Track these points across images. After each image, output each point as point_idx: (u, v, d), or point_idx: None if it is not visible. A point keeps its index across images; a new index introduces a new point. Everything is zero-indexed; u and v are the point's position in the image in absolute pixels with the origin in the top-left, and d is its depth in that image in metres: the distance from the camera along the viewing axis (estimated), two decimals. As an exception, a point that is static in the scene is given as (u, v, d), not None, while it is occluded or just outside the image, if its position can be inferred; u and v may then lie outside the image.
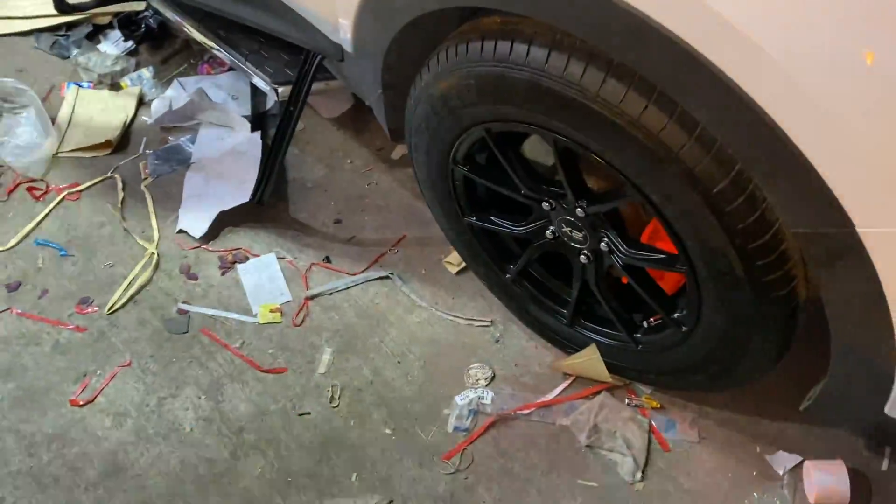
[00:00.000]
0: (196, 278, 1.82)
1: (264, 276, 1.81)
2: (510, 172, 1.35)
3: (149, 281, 1.81)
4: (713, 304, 1.18)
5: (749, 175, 0.97)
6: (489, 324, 1.69)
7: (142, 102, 2.25)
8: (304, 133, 2.13)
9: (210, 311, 1.75)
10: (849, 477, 1.35)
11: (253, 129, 2.08)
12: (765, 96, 0.84)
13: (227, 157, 2.05)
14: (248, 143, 2.06)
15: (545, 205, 1.36)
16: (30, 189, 2.02)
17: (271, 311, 1.74)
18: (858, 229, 0.88)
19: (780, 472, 1.42)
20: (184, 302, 1.77)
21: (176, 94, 2.24)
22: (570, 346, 1.56)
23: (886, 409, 1.08)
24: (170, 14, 1.87)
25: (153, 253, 1.86)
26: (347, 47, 1.47)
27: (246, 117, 2.12)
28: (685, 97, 0.93)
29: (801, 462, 1.42)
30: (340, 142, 2.11)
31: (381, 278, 1.79)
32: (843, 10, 0.77)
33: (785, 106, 0.83)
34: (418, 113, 1.37)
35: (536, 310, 1.58)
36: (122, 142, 2.14)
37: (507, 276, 1.56)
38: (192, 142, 2.13)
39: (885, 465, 1.42)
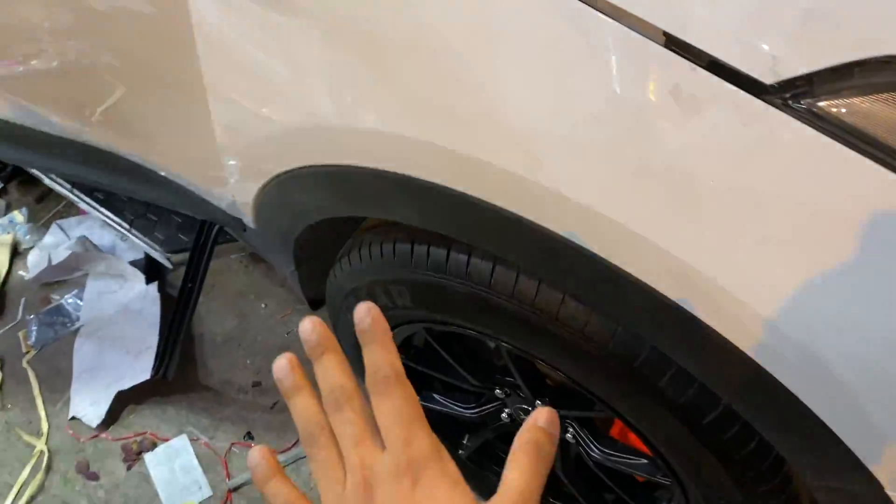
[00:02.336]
0: (97, 478, 1.57)
1: (176, 465, 1.58)
2: (455, 366, 1.17)
3: (40, 488, 1.55)
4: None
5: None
6: (443, 498, 1.50)
7: (16, 253, 1.98)
8: (208, 275, 1.90)
9: (117, 521, 1.50)
10: None
11: (148, 280, 1.84)
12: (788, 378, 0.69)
13: (121, 317, 1.80)
14: (144, 299, 1.81)
15: (499, 392, 1.20)
16: None
17: (190, 509, 1.51)
18: (888, 491, 0.74)
19: None
20: (84, 512, 1.52)
21: (56, 241, 1.97)
22: (537, 524, 1.39)
23: None
24: (38, 175, 1.62)
25: (42, 451, 1.59)
26: (249, 224, 1.27)
27: (138, 262, 1.88)
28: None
29: None
30: (250, 282, 1.89)
31: (313, 452, 1.58)
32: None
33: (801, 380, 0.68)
34: (345, 305, 1.18)
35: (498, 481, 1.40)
36: (-4, 307, 1.87)
37: (461, 451, 1.39)
38: (80, 298, 1.87)
39: None
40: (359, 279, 1.10)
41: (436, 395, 1.32)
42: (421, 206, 0.87)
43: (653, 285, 0.72)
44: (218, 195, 1.25)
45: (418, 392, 1.32)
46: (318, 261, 1.29)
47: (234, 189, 1.16)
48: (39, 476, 1.56)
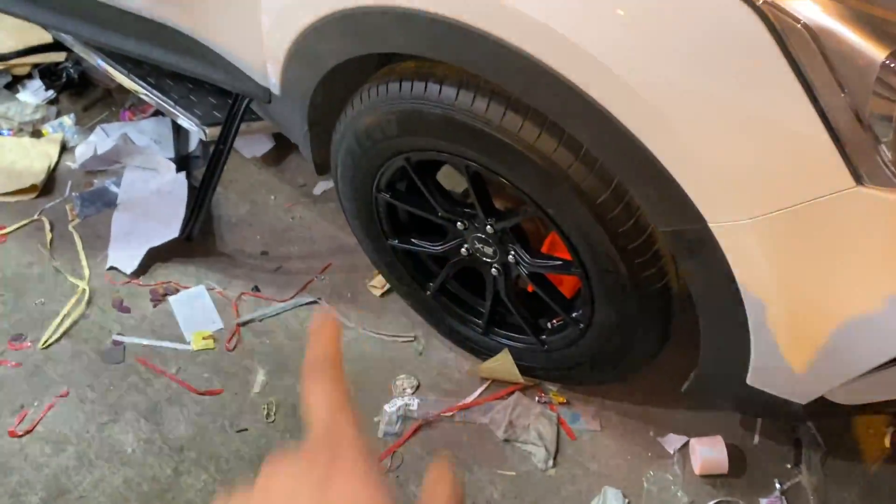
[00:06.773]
0: (129, 311, 1.90)
1: (196, 306, 1.92)
2: (428, 196, 1.53)
3: (82, 316, 1.88)
4: (603, 300, 1.38)
5: (625, 186, 1.18)
6: (412, 339, 1.85)
7: (65, 148, 2.33)
8: (226, 172, 2.24)
9: (144, 341, 1.83)
10: (727, 450, 1.58)
11: (178, 171, 2.20)
12: (630, 120, 1.06)
13: (154, 197, 2.15)
14: (174, 183, 2.17)
15: (459, 224, 1.55)
16: (-47, 233, 2.05)
17: (204, 338, 1.84)
18: (709, 224, 1.10)
19: (671, 451, 1.64)
20: (118, 334, 1.85)
21: (100, 140, 2.32)
22: (485, 352, 1.73)
23: (748, 381, 1.30)
24: (97, 61, 1.98)
25: (84, 289, 1.93)
26: (275, 90, 1.63)
27: (170, 159, 2.23)
28: (570, 124, 1.14)
29: (688, 441, 1.64)
30: (263, 180, 2.25)
31: (309, 303, 1.93)
32: (687, 52, 0.99)
33: (644, 125, 1.05)
34: (344, 147, 1.54)
35: (455, 322, 1.75)
36: (48, 186, 2.20)
37: (428, 292, 1.73)
38: (118, 184, 2.21)
39: (756, 440, 1.65)
40: (361, 118, 1.45)
41: (413, 239, 1.67)
42: (409, 33, 1.23)
43: (564, 74, 1.08)
44: (253, 63, 1.61)
45: (402, 237, 1.67)
46: (324, 126, 1.64)
47: (269, 50, 1.52)
48: (81, 307, 1.89)
